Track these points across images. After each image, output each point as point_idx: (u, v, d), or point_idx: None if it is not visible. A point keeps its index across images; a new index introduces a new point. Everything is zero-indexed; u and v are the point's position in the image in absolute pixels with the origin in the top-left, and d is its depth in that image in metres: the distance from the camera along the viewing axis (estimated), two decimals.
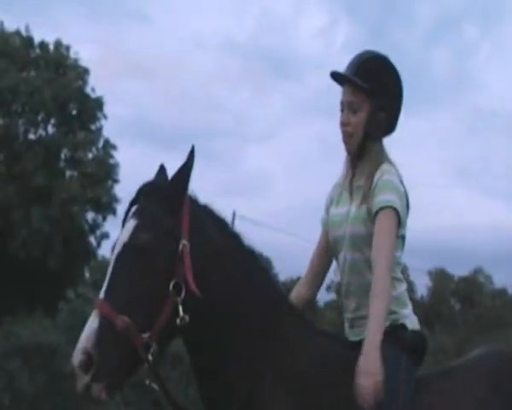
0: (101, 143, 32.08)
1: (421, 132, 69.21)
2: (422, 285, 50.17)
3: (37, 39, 31.34)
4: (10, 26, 30.99)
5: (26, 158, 29.40)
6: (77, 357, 2.84)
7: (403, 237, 3.35)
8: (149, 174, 3.20)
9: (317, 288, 3.60)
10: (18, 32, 30.94)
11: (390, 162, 3.36)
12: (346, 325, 3.39)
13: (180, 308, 2.95)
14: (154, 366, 2.93)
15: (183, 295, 2.95)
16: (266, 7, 74.34)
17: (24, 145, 30.24)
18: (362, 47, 3.77)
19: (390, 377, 3.08)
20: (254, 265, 3.25)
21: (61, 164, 31.74)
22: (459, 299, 51.99)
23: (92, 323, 2.90)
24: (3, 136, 29.89)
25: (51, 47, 31.35)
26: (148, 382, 2.97)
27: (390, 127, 3.43)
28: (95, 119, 31.94)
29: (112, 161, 31.96)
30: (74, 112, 31.56)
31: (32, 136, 31.26)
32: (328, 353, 3.18)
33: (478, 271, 51.97)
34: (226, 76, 68.40)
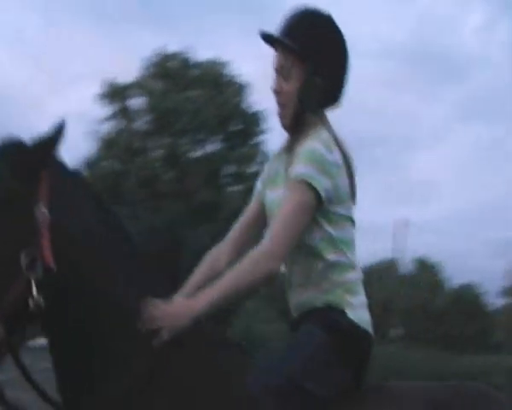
0: (263, 157, 32.19)
1: None
2: None
3: (196, 58, 31.95)
4: (170, 47, 31.79)
5: (192, 176, 29.95)
6: None
7: (351, 219, 2.91)
8: None
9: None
10: (176, 54, 31.61)
11: (326, 129, 2.87)
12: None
13: (33, 287, 2.49)
14: (9, 350, 2.52)
15: (40, 271, 2.51)
16: (424, 8, 73.26)
17: (189, 163, 30.82)
18: None
19: (301, 343, 2.74)
20: (129, 247, 2.80)
21: (225, 180, 32.10)
22: None
23: None
24: (169, 155, 30.64)
25: (208, 65, 31.83)
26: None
27: (332, 97, 2.95)
28: (256, 133, 32.09)
29: None
30: (236, 127, 31.84)
31: (195, 153, 31.82)
32: (216, 353, 2.81)
33: None
34: (388, 80, 67.76)
